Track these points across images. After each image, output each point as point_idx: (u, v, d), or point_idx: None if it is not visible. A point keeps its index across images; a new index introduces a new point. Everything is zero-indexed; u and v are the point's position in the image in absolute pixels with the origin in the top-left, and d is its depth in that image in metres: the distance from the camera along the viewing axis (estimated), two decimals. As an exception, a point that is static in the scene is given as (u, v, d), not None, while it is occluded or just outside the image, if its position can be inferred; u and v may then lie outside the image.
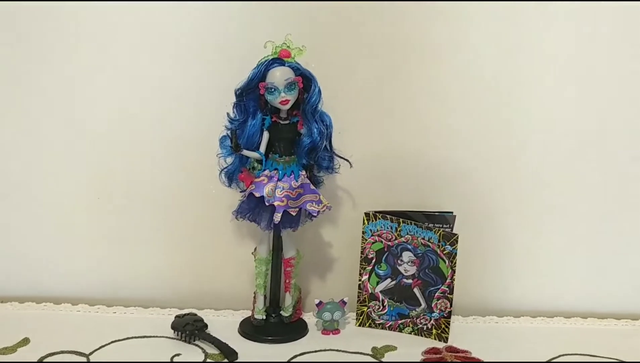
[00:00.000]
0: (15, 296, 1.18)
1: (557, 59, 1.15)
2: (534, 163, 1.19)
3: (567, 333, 1.15)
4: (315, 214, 1.06)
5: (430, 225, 1.09)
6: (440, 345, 1.09)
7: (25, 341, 1.05)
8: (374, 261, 1.13)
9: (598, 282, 1.23)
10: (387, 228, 1.11)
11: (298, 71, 1.02)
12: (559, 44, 1.15)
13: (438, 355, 1.05)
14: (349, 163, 1.08)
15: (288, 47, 1.02)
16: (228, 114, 1.04)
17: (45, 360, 1.00)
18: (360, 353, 1.06)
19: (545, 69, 1.16)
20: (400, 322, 1.14)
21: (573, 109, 1.17)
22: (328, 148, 1.06)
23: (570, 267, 1.23)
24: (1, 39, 1.13)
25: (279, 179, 1.04)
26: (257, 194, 1.03)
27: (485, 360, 1.04)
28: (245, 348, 1.05)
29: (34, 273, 1.20)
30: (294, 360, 1.03)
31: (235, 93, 1.03)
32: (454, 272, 1.09)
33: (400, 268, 1.12)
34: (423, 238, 1.09)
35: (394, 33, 1.14)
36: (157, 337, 1.08)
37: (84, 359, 1.01)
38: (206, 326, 1.09)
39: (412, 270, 1.12)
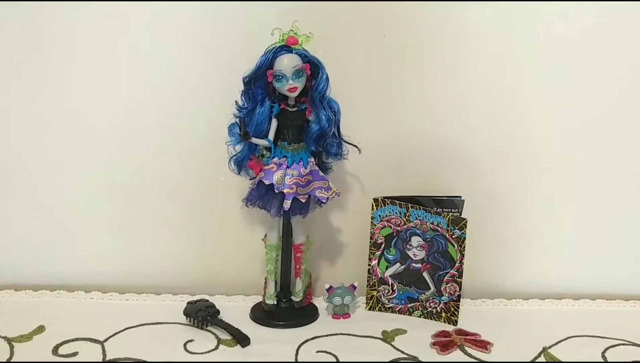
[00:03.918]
0: (29, 285, 1.19)
1: (565, 42, 1.15)
2: (542, 146, 1.19)
3: (575, 314, 1.16)
4: (324, 200, 1.06)
5: (439, 210, 1.10)
6: (449, 328, 1.10)
7: (40, 329, 1.06)
8: (383, 246, 1.13)
9: (606, 264, 1.23)
10: (396, 213, 1.11)
11: (305, 58, 1.02)
12: (568, 27, 1.15)
13: (448, 338, 1.06)
14: (358, 149, 1.08)
15: (295, 34, 1.02)
16: (236, 102, 1.05)
17: (61, 347, 1.01)
18: (371, 337, 1.07)
19: (553, 52, 1.16)
20: (409, 305, 1.15)
21: (581, 91, 1.17)
22: (336, 134, 1.06)
23: (578, 249, 1.23)
24: (9, 37, 1.13)
25: (287, 167, 1.05)
26: (267, 182, 1.04)
27: (494, 343, 1.04)
28: (256, 333, 1.06)
29: (47, 261, 1.21)
30: (305, 345, 1.04)
31: (243, 81, 1.03)
32: (463, 256, 1.09)
33: (410, 253, 1.13)
34: (432, 223, 1.10)
35: (401, 18, 1.13)
36: (169, 323, 1.09)
37: (99, 346, 1.02)
38: (218, 312, 1.10)
39: (421, 254, 1.12)
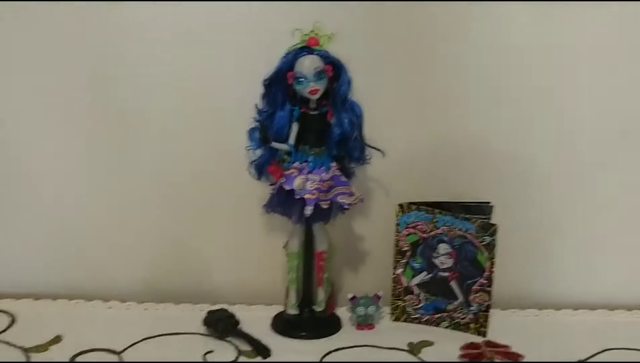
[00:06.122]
0: (47, 294, 1.18)
1: (605, 42, 1.11)
2: (574, 150, 1.15)
3: (611, 326, 1.12)
4: (347, 206, 1.04)
5: (468, 216, 1.06)
6: (479, 339, 1.06)
7: (57, 339, 1.04)
8: (408, 254, 1.10)
9: (643, 272, 1.19)
10: (423, 219, 1.08)
11: (327, 59, 0.99)
12: (606, 27, 1.11)
13: (477, 351, 1.03)
14: (382, 153, 1.06)
15: (316, 35, 0.99)
16: (256, 105, 1.03)
17: (77, 358, 0.99)
18: (396, 348, 1.04)
19: (585, 55, 1.12)
20: (437, 316, 1.11)
21: (618, 95, 1.13)
22: (359, 138, 1.04)
23: (614, 257, 1.19)
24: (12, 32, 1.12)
25: (309, 172, 1.02)
26: (287, 188, 1.02)
27: (525, 355, 1.01)
28: (278, 344, 1.04)
29: (65, 271, 1.20)
30: (328, 356, 1.02)
31: (263, 84, 1.01)
32: (493, 264, 1.06)
33: (436, 261, 1.09)
34: (460, 229, 1.06)
35: (427, 20, 1.11)
36: (189, 333, 1.07)
37: (116, 357, 1.00)
38: (238, 322, 1.08)
39: (448, 262, 1.09)
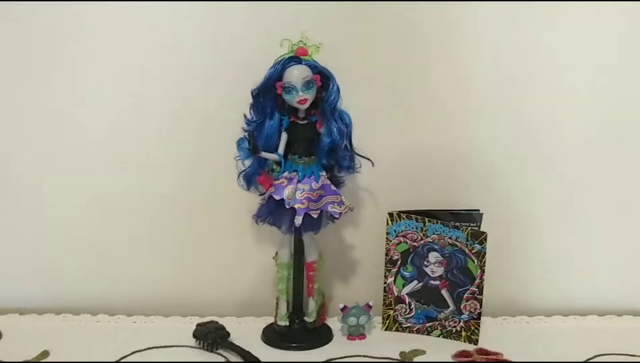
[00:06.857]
0: (33, 308, 1.16)
1: (580, 49, 1.12)
2: (562, 157, 1.16)
3: (601, 332, 1.12)
4: (337, 216, 1.03)
5: (458, 224, 1.06)
6: (470, 347, 1.06)
7: (44, 354, 1.03)
8: (399, 262, 1.10)
9: (632, 278, 1.19)
10: (413, 228, 1.07)
11: (315, 69, 0.99)
12: (583, 32, 1.12)
13: (469, 358, 1.02)
14: (371, 161, 1.06)
15: (305, 44, 0.99)
16: (245, 115, 1.02)
17: (65, 374, 0.99)
18: (388, 358, 1.03)
19: (568, 60, 1.13)
20: (428, 324, 1.11)
21: (603, 98, 1.14)
22: (348, 147, 1.04)
23: (602, 263, 1.19)
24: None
25: (299, 181, 1.02)
26: (277, 197, 1.01)
27: (517, 362, 1.00)
28: (268, 355, 1.03)
29: (52, 284, 1.18)
30: (320, 367, 1.01)
31: (252, 94, 1.01)
32: (484, 272, 1.05)
33: (427, 270, 1.09)
34: (450, 238, 1.06)
35: (414, 29, 1.11)
36: (178, 346, 1.06)
37: (105, 371, 0.99)
38: (228, 334, 1.06)
39: (439, 271, 1.08)
